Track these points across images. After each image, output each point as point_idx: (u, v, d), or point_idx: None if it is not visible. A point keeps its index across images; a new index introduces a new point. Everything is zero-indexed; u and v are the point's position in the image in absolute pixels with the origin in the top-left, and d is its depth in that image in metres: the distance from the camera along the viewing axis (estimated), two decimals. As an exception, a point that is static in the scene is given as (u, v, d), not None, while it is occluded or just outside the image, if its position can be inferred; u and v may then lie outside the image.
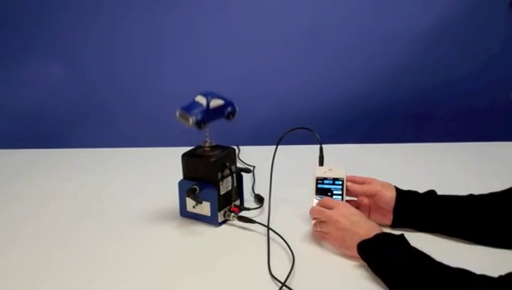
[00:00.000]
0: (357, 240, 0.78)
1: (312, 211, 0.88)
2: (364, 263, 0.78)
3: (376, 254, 0.75)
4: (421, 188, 0.90)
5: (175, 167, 0.98)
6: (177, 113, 0.92)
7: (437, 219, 0.86)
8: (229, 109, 0.95)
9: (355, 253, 0.78)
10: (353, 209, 0.85)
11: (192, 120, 0.89)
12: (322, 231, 0.86)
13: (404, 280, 0.70)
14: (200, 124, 0.90)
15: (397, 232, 0.78)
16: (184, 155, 0.97)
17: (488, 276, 0.64)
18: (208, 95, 0.93)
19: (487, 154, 1.31)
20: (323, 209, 0.86)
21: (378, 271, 0.75)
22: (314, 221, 0.88)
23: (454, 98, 1.84)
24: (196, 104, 0.92)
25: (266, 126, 1.64)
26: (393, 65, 1.84)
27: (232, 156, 0.97)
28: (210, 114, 0.92)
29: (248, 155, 1.33)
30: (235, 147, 1.00)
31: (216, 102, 0.93)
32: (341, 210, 0.84)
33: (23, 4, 1.84)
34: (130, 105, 1.94)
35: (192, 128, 0.90)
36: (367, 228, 0.79)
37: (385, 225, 0.88)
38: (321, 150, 0.96)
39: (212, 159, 0.92)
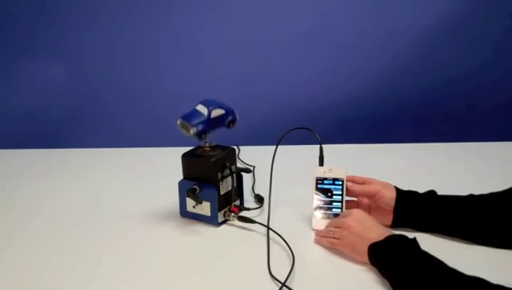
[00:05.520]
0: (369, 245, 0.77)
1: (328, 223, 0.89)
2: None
3: (387, 256, 0.74)
4: (421, 188, 0.89)
5: (175, 167, 0.98)
6: (178, 122, 0.92)
7: (437, 219, 0.86)
8: (230, 118, 0.96)
9: (366, 259, 0.77)
10: (366, 215, 0.84)
11: (193, 131, 0.90)
12: (334, 237, 0.84)
13: (415, 286, 0.69)
14: (200, 135, 0.91)
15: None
16: (184, 155, 0.97)
17: (504, 286, 0.62)
18: (210, 105, 0.93)
19: (487, 154, 1.31)
20: (336, 218, 0.87)
21: (387, 273, 0.73)
22: (326, 230, 0.87)
23: (454, 98, 1.84)
24: (197, 113, 0.92)
25: (266, 126, 1.64)
26: (393, 65, 1.84)
27: (232, 156, 0.97)
28: (211, 124, 0.92)
29: (248, 155, 1.33)
30: (235, 147, 1.00)
31: (217, 112, 0.93)
32: (355, 215, 0.83)
33: (23, 4, 1.84)
34: (130, 105, 1.94)
35: (193, 138, 0.91)
36: (379, 232, 0.78)
37: (385, 226, 0.87)
38: (321, 150, 0.96)
39: (212, 159, 0.92)
